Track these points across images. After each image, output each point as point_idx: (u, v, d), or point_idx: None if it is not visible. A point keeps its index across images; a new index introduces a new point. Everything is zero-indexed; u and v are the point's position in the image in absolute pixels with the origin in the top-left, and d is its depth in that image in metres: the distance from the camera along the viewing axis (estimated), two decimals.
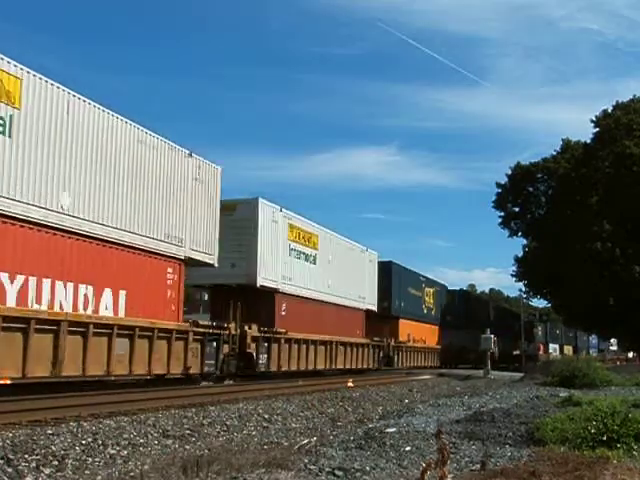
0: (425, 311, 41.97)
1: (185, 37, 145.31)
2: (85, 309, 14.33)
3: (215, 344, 18.81)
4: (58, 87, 14.02)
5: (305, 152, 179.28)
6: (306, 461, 7.62)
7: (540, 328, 69.69)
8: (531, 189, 49.06)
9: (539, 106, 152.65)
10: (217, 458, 7.88)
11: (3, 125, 12.58)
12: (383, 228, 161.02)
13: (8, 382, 13.09)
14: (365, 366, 30.83)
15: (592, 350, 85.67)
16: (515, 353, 56.95)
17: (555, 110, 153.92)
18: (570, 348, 78.32)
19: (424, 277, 43.10)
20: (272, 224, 22.77)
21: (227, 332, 19.33)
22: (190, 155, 18.51)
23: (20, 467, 7.38)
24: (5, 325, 12.13)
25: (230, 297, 20.42)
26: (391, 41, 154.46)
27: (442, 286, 47.55)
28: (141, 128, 16.58)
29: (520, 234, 50.07)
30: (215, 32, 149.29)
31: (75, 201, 14.29)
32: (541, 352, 66.91)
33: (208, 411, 12.76)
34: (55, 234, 13.83)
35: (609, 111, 44.75)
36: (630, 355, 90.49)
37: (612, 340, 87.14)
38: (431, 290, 43.59)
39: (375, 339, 32.21)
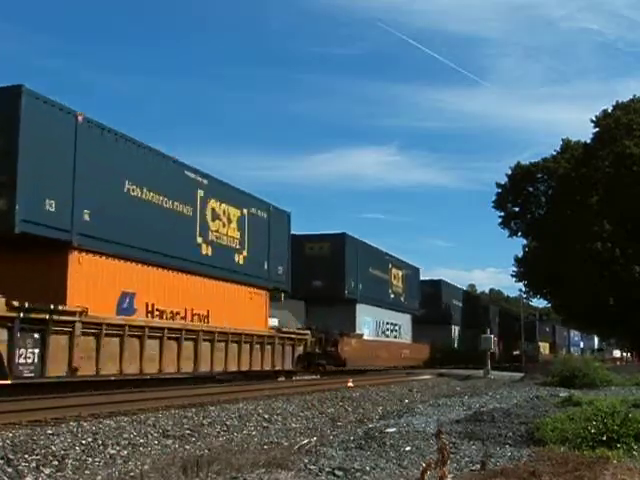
0: (205, 251, 18.86)
1: (185, 37, 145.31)
2: None
3: None
4: None
5: (305, 152, 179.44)
6: (306, 461, 7.62)
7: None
8: (531, 189, 49.16)
9: (539, 106, 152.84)
10: (217, 458, 7.88)
11: None
12: (383, 228, 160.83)
13: (8, 382, 13.08)
14: None
15: (574, 348, 76.33)
16: (515, 353, 56.93)
17: (555, 110, 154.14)
18: (547, 345, 69.97)
19: (213, 180, 19.60)
20: None
21: None
22: None
23: (20, 467, 7.37)
24: None
25: None
26: (391, 41, 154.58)
27: (278, 214, 23.50)
28: None
29: (520, 234, 50.22)
30: (215, 32, 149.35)
31: None
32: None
33: (208, 411, 12.76)
34: None
35: (609, 111, 44.85)
36: (617, 354, 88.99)
37: (598, 339, 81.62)
38: (235, 212, 20.59)
39: None
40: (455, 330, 47.44)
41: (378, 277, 33.35)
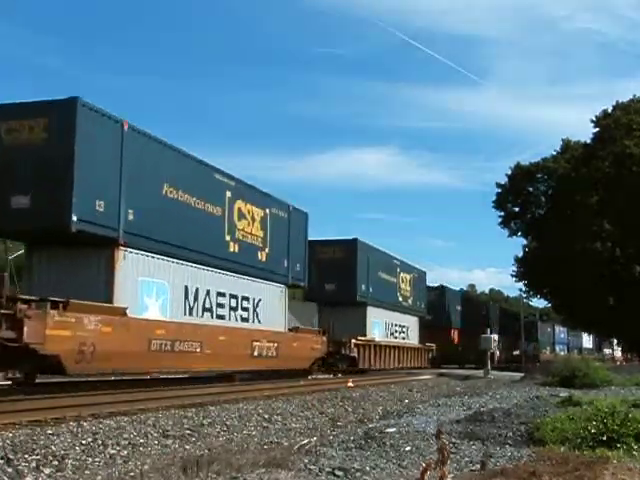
0: None
1: (184, 37, 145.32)
2: None
3: None
4: None
5: (305, 152, 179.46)
6: (306, 461, 7.61)
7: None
8: (531, 189, 49.16)
9: (539, 106, 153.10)
10: (217, 458, 7.87)
11: None
12: (383, 228, 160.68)
13: (9, 382, 13.10)
14: None
15: (559, 347, 70.15)
16: (515, 353, 56.89)
17: (555, 110, 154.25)
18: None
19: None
20: None
21: None
22: None
23: (20, 467, 7.37)
24: None
25: None
26: (391, 41, 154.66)
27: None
28: None
29: (520, 234, 50.20)
30: (215, 32, 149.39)
31: None
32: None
33: (208, 411, 12.77)
34: None
35: (609, 111, 44.85)
36: (609, 352, 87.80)
37: (586, 336, 78.20)
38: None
39: None
40: (373, 314, 31.68)
41: (188, 208, 17.81)
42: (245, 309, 21.03)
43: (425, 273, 41.76)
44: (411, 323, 37.73)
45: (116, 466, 7.90)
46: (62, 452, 8.18)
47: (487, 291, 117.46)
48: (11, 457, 7.65)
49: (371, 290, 30.96)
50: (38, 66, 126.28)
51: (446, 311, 46.02)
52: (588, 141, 45.48)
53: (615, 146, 42.22)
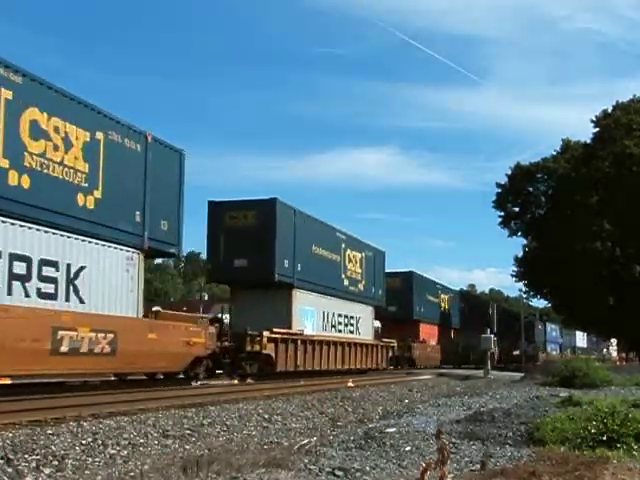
0: None
1: (185, 37, 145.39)
2: None
3: None
4: None
5: (305, 152, 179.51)
6: (306, 461, 7.61)
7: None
8: (531, 189, 49.22)
9: (539, 106, 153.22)
10: (217, 458, 7.87)
11: None
12: (383, 228, 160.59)
13: (8, 382, 13.10)
14: None
15: (552, 346, 66.81)
16: (515, 353, 56.78)
17: (555, 110, 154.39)
18: None
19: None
20: None
21: None
22: None
23: (20, 467, 7.37)
24: None
25: None
26: (392, 41, 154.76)
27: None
28: None
29: (520, 234, 50.25)
30: (215, 32, 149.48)
31: None
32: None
33: (208, 411, 12.76)
34: None
35: (609, 111, 44.88)
36: (605, 353, 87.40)
37: (580, 335, 76.68)
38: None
39: None
40: (302, 299, 24.77)
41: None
42: (48, 280, 13.72)
43: (384, 253, 33.70)
44: (363, 314, 30.56)
45: (116, 466, 7.90)
46: (62, 452, 8.18)
47: (487, 291, 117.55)
48: (11, 457, 7.65)
49: (299, 268, 23.83)
50: (38, 66, 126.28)
51: (414, 302, 39.18)
52: (588, 141, 45.56)
53: (615, 146, 42.24)
